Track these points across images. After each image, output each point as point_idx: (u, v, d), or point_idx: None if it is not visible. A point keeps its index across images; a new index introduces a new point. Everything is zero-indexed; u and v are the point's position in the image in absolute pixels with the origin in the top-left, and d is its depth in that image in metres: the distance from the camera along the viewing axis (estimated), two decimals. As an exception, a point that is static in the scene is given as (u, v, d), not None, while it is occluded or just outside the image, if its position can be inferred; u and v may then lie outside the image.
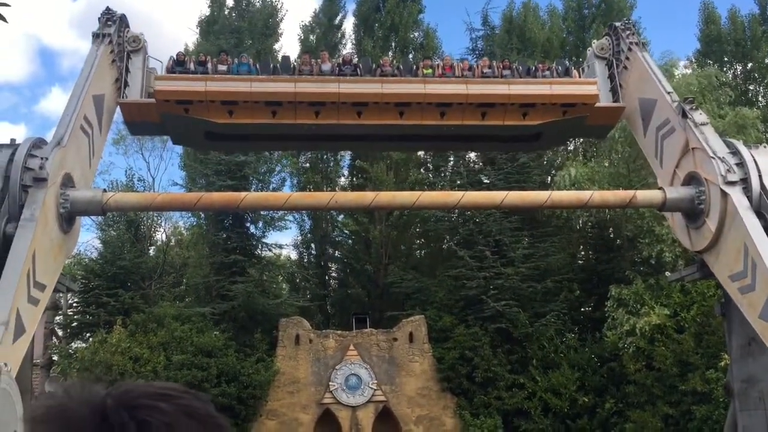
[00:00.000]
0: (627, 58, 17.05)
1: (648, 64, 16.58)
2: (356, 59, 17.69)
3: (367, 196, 16.20)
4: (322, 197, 16.69)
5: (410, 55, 41.75)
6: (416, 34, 42.19)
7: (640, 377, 27.14)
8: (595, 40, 19.14)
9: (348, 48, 42.22)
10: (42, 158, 12.44)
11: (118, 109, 16.26)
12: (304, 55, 17.99)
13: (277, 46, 40.76)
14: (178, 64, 16.70)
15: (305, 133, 16.94)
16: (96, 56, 15.10)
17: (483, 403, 29.10)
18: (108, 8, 16.52)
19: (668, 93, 15.67)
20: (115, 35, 15.95)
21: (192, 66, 16.74)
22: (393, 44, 41.25)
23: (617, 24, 17.89)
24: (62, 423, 1.09)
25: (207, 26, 39.41)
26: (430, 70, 17.10)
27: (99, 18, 16.24)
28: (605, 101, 17.19)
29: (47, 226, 12.26)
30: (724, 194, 13.39)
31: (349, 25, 43.12)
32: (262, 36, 39.24)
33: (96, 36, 15.69)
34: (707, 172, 13.99)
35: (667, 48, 63.16)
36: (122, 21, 16.57)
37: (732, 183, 13.43)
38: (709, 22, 40.92)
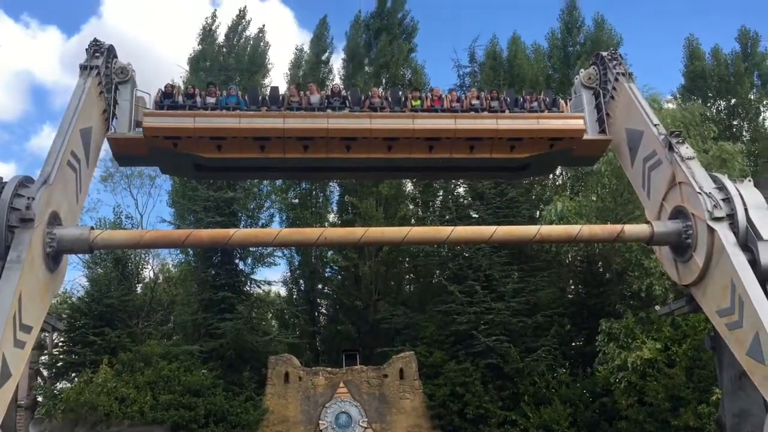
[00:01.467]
0: (614, 89, 17.18)
1: (634, 95, 16.71)
2: (345, 91, 17.73)
3: (357, 232, 16.16)
4: (311, 233, 16.59)
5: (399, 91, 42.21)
6: (406, 70, 42.66)
7: (633, 413, 26.94)
8: (582, 69, 19.29)
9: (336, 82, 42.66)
10: (28, 198, 12.31)
11: (105, 141, 16.23)
12: (292, 86, 18.04)
13: (266, 81, 41.07)
14: (167, 97, 16.67)
15: (293, 165, 17.04)
16: (83, 89, 15.04)
17: (475, 440, 28.76)
18: (95, 39, 16.46)
19: (655, 125, 15.78)
20: (103, 67, 15.88)
21: (180, 98, 16.72)
22: (383, 80, 41.64)
23: (604, 54, 18.01)
24: None
25: (197, 63, 39.67)
26: (418, 102, 17.23)
27: (86, 49, 16.15)
28: (592, 131, 17.32)
29: (34, 266, 12.10)
30: (711, 230, 13.44)
31: (337, 60, 43.59)
32: (249, 72, 39.48)
33: (83, 68, 15.59)
34: (694, 207, 14.06)
35: (651, 83, 64.00)
36: (110, 52, 16.46)
37: (719, 219, 13.49)
38: (693, 58, 41.62)
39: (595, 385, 29.48)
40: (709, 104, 39.59)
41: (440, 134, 16.53)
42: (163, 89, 16.87)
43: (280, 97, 17.12)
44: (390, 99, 17.45)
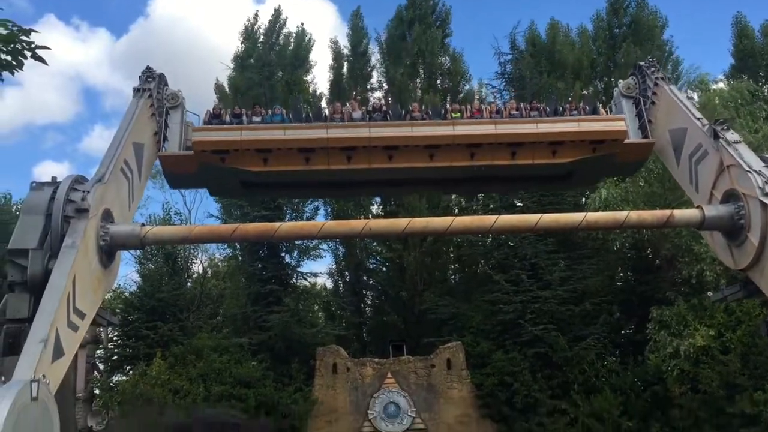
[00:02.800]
0: (654, 93, 17.10)
1: (675, 95, 16.61)
2: (385, 107, 17.99)
3: (401, 223, 16.13)
4: (355, 225, 16.70)
5: (438, 81, 41.97)
6: (444, 59, 42.43)
7: (686, 401, 26.49)
8: (621, 81, 19.22)
9: (376, 77, 42.67)
10: (84, 191, 12.71)
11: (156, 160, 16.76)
12: (336, 103, 18.44)
13: (308, 78, 41.33)
14: (215, 117, 17.29)
15: (337, 179, 17.21)
16: (137, 106, 15.62)
17: (524, 429, 28.65)
18: (148, 67, 17.28)
19: (698, 119, 15.54)
20: (155, 91, 16.56)
21: (228, 118, 17.29)
22: (421, 70, 41.49)
23: (641, 63, 18.13)
24: None
25: (241, 61, 40.16)
26: (458, 114, 17.36)
27: (139, 76, 16.86)
28: (635, 137, 17.18)
29: (87, 254, 12.46)
30: (764, 206, 13.10)
31: (374, 54, 43.57)
32: (292, 67, 39.81)
33: (136, 91, 16.30)
34: (745, 187, 13.71)
35: (700, 64, 62.35)
36: (161, 79, 17.29)
37: None
38: (742, 36, 40.49)
39: (647, 373, 29.03)
40: (760, 83, 38.45)
41: (481, 140, 16.61)
42: (211, 110, 17.58)
43: (323, 114, 17.45)
44: (431, 113, 17.62)
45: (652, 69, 17.57)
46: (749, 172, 13.60)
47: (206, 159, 16.38)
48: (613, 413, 28.11)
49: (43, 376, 9.44)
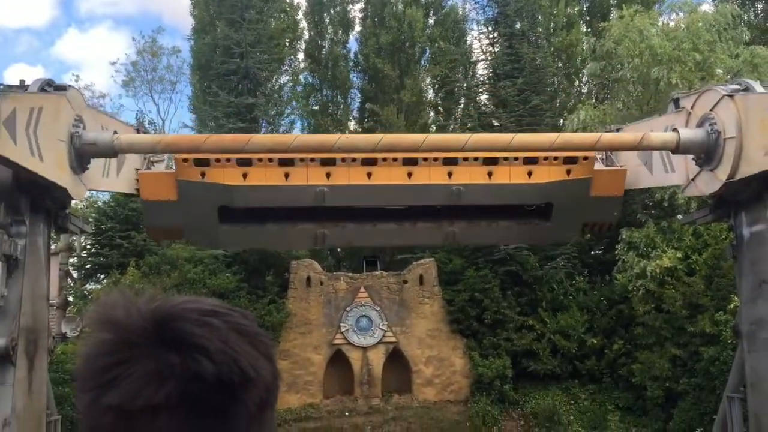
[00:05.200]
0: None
1: None
2: None
3: (374, 139, 15.88)
4: (328, 139, 16.43)
5: None
6: None
7: (649, 319, 27.33)
8: None
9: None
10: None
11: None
12: None
13: None
14: None
15: (319, 204, 16.79)
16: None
17: (492, 344, 29.46)
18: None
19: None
20: None
21: None
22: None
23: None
24: (121, 332, 1.09)
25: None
26: None
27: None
28: (603, 166, 17.23)
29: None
30: (731, 97, 13.11)
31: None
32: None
33: None
34: (718, 104, 13.74)
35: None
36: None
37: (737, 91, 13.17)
38: (729, -42, 39.72)
39: (613, 292, 29.82)
40: (746, 6, 38.04)
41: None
42: None
43: None
44: None
45: None
46: (722, 87, 13.59)
47: (187, 175, 15.86)
48: (579, 330, 28.99)
49: None
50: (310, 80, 42.11)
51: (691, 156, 14.38)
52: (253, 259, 31.47)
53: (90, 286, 31.86)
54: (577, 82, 41.04)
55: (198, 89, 36.61)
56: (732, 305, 22.23)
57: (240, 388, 1.08)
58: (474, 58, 40.86)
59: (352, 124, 41.51)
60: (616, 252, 28.59)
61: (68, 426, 17.83)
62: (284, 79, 40.40)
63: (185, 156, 15.74)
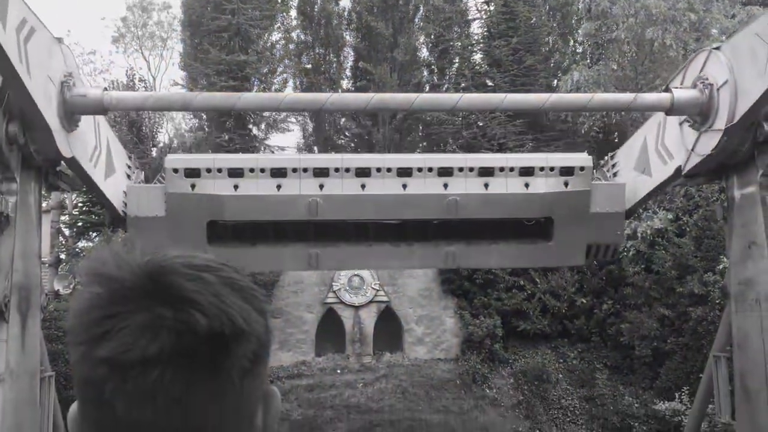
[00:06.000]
0: None
1: None
2: None
3: (364, 97, 15.68)
4: (318, 98, 16.09)
5: None
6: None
7: (639, 280, 27.59)
8: None
9: None
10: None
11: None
12: None
13: None
14: None
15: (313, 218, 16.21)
16: None
17: (483, 303, 29.72)
18: None
19: None
20: None
21: None
22: None
23: None
24: (113, 286, 1.08)
25: None
26: None
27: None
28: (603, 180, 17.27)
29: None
30: (717, 50, 13.14)
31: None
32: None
33: None
34: (714, 65, 13.68)
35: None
36: None
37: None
38: None
39: (604, 253, 29.99)
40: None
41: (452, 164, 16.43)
42: None
43: None
44: None
45: None
46: (717, 49, 13.52)
47: (176, 187, 15.45)
48: (569, 290, 29.25)
49: None
50: (303, 38, 41.65)
51: (687, 123, 14.39)
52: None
53: (82, 244, 31.82)
54: (571, 42, 40.68)
55: (189, 46, 36.17)
56: (721, 266, 22.47)
57: (232, 342, 1.08)
58: (469, 17, 40.43)
59: (345, 83, 41.15)
60: (607, 213, 28.66)
61: (62, 382, 17.99)
62: (276, 36, 39.97)
63: (175, 166, 15.43)
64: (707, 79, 14.01)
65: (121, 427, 1.04)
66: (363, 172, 15.96)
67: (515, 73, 32.69)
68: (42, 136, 11.41)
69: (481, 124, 32.68)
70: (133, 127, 35.22)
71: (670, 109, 14.81)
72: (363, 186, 16.02)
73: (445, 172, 16.13)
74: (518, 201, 16.25)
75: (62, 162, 12.34)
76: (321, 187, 15.89)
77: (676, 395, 24.70)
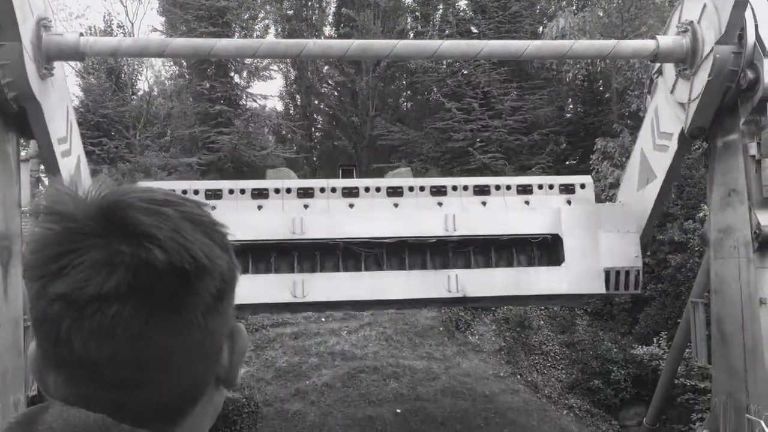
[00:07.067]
0: None
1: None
2: None
3: (343, 44, 15.41)
4: (296, 45, 15.71)
5: None
6: None
7: (620, 228, 27.79)
8: None
9: None
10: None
11: None
12: None
13: None
14: None
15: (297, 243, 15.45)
16: None
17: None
18: None
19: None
20: None
21: None
22: None
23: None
24: (68, 222, 1.05)
25: None
26: None
27: None
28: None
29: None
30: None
31: None
32: None
33: None
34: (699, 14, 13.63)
35: None
36: None
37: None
38: None
39: (586, 201, 30.18)
40: None
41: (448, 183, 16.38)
42: None
43: None
44: None
45: None
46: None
47: None
48: (551, 238, 29.47)
49: None
50: (285, -17, 40.78)
51: (674, 71, 14.37)
52: (228, 167, 31.27)
53: (63, 192, 31.55)
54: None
55: (168, -9, 35.25)
56: (701, 214, 22.69)
57: (194, 277, 1.06)
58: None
59: (327, 30, 40.51)
60: (590, 162, 28.77)
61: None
62: (257, -19, 39.05)
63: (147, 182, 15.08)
64: (687, 20, 13.99)
65: (79, 363, 1.02)
66: (350, 192, 15.62)
67: (500, 19, 32.30)
68: (14, 71, 11.21)
69: (465, 72, 32.42)
70: (112, 75, 34.59)
71: (655, 57, 14.74)
72: (351, 206, 15.53)
73: (439, 190, 15.77)
74: (519, 218, 15.56)
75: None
76: (305, 207, 15.48)
77: (654, 340, 25.17)
